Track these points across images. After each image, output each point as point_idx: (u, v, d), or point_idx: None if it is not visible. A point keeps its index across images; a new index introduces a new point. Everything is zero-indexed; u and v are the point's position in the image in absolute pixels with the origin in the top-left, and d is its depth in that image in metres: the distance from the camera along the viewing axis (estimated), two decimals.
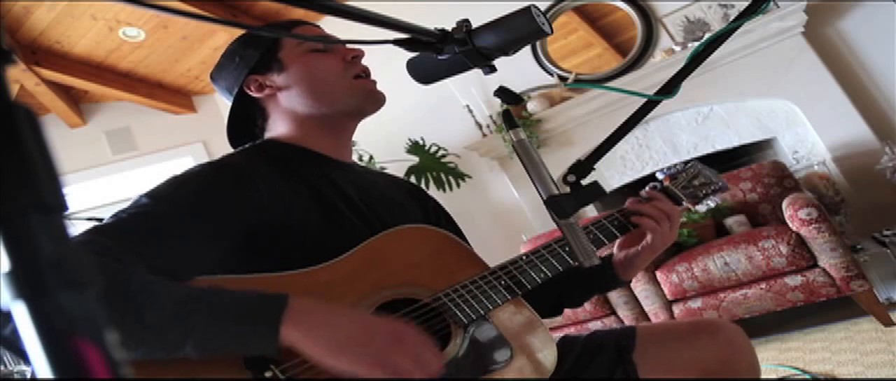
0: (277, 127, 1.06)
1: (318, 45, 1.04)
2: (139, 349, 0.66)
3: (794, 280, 2.26)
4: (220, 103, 4.59)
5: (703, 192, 1.16)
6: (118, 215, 0.79)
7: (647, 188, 1.13)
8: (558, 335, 1.07)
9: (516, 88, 3.33)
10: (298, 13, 3.70)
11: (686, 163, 1.22)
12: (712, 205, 1.16)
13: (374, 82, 1.07)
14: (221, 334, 0.68)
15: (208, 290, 0.70)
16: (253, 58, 1.03)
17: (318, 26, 1.10)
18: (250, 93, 1.04)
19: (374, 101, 1.05)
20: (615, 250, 1.09)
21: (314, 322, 0.71)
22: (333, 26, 1.16)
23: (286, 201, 0.91)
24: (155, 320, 0.66)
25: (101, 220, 0.80)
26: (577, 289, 1.12)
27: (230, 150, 1.06)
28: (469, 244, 1.14)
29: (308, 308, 0.72)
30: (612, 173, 3.49)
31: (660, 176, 1.18)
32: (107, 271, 0.68)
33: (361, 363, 0.70)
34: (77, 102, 4.22)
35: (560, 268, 0.98)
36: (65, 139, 4.08)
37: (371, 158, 3.68)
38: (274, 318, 0.69)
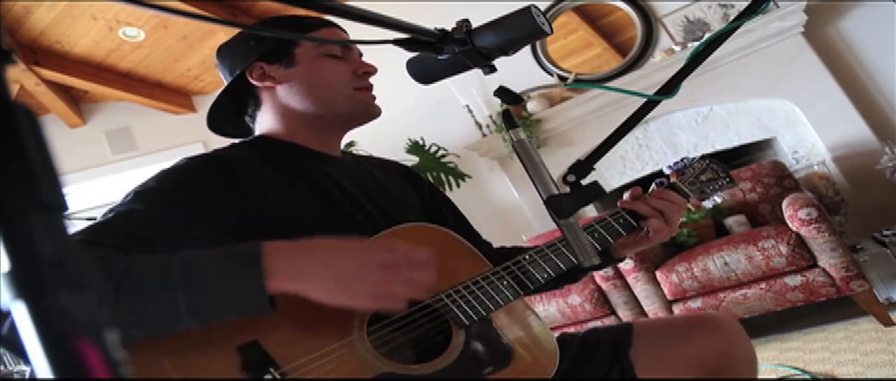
0: (267, 120, 1.06)
1: (336, 51, 1.04)
2: (138, 329, 0.66)
3: (794, 280, 2.26)
4: None
5: (711, 187, 1.15)
6: (108, 214, 0.79)
7: (653, 185, 1.13)
8: (556, 333, 1.06)
9: (516, 88, 3.31)
10: (298, 13, 3.70)
11: (694, 158, 1.21)
12: (719, 201, 1.15)
13: (374, 96, 1.07)
14: (207, 291, 0.68)
15: (179, 255, 0.70)
16: (268, 45, 1.03)
17: (344, 31, 1.09)
18: (251, 78, 1.04)
19: (368, 113, 1.06)
20: None
21: (303, 268, 0.72)
22: None
23: (281, 194, 0.91)
24: (141, 295, 0.66)
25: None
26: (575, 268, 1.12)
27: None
28: (473, 230, 1.14)
29: (287, 249, 0.73)
30: (612, 173, 3.49)
31: (667, 171, 1.17)
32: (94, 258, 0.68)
33: (361, 300, 0.73)
34: (77, 102, 4.22)
35: (563, 268, 0.98)
36: (65, 139, 4.08)
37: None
38: (254, 264, 0.70)
